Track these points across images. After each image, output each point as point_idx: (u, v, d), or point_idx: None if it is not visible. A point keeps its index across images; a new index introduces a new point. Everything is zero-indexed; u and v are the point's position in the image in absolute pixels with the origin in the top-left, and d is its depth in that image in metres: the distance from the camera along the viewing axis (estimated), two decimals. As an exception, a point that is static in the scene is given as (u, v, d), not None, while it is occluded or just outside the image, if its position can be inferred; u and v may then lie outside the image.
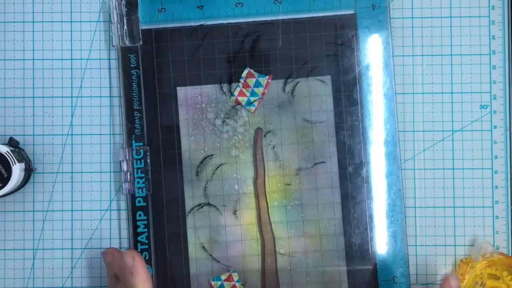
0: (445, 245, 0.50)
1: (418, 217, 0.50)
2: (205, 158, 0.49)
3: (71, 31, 0.50)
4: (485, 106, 0.50)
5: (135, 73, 0.48)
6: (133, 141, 0.48)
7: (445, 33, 0.50)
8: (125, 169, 0.48)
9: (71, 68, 0.50)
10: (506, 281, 0.47)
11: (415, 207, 0.50)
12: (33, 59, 0.50)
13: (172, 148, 0.49)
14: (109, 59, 0.50)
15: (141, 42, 0.49)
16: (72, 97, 0.50)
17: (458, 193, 0.50)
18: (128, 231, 0.49)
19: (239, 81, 0.49)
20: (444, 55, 0.50)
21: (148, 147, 0.48)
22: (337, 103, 0.49)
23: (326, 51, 0.49)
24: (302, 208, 0.49)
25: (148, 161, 0.48)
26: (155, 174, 0.49)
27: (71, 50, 0.50)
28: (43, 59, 0.50)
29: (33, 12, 0.50)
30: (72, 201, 0.49)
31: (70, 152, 0.50)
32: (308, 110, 0.49)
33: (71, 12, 0.50)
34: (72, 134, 0.50)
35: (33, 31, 0.50)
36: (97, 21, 0.50)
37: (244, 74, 0.49)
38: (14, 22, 0.50)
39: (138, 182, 0.48)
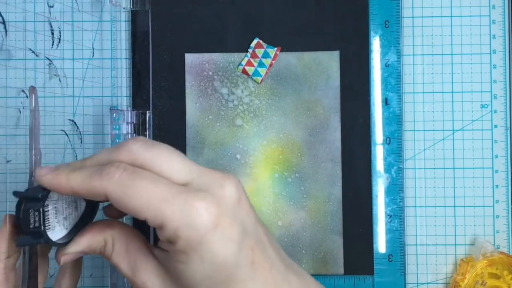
0: (446, 245, 0.50)
1: (419, 217, 0.50)
2: (209, 125, 0.49)
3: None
4: (485, 106, 0.50)
5: (144, 37, 0.49)
6: (138, 105, 0.49)
7: (445, 33, 0.50)
8: (128, 132, 0.48)
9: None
10: (506, 280, 0.47)
11: (415, 206, 0.50)
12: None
13: (177, 113, 0.50)
14: (120, 21, 0.50)
15: (150, 6, 0.49)
16: (83, 60, 0.50)
17: (458, 192, 0.50)
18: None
19: (247, 51, 0.50)
20: (445, 55, 0.50)
21: (151, 112, 0.49)
22: (344, 79, 0.49)
23: (336, 26, 0.50)
24: (303, 182, 0.49)
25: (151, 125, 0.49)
26: (157, 138, 0.49)
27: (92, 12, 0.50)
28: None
29: None
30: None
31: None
32: (314, 84, 0.49)
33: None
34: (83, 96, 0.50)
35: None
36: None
37: (253, 44, 0.50)
38: None
39: None
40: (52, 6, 0.50)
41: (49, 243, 0.34)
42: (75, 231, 0.36)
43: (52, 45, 0.50)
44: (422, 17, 0.50)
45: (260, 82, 0.50)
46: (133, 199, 0.31)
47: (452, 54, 0.50)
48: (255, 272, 0.33)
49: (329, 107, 0.49)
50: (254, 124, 0.50)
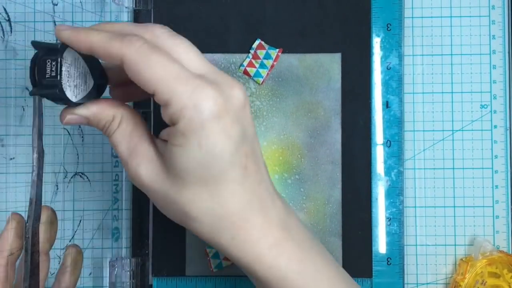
0: (445, 245, 0.50)
1: (418, 217, 0.50)
2: None
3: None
4: (485, 106, 0.50)
5: None
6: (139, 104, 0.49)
7: (445, 33, 0.50)
8: None
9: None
10: (506, 279, 0.48)
11: (415, 206, 0.50)
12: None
13: None
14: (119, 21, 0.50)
15: (153, 5, 0.49)
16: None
17: (458, 192, 0.50)
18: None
19: (249, 52, 0.49)
20: (444, 55, 0.50)
21: (151, 111, 0.49)
22: (345, 81, 0.49)
23: (338, 28, 0.49)
24: (303, 183, 0.49)
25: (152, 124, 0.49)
26: None
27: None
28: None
29: None
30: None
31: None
32: (315, 85, 0.49)
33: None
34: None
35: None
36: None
37: (254, 45, 0.49)
38: None
39: None
40: (56, 4, 0.50)
41: (61, 96, 0.34)
42: (82, 100, 0.36)
43: (57, 41, 0.50)
44: (422, 17, 0.50)
45: (262, 83, 0.49)
46: (148, 69, 0.32)
47: (451, 55, 0.50)
48: (245, 178, 0.34)
49: (330, 109, 0.49)
50: (255, 125, 0.49)
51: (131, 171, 0.35)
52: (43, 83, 0.34)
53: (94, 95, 0.37)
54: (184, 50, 0.34)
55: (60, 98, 0.34)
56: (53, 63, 0.33)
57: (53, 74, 0.33)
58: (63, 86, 0.34)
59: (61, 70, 0.34)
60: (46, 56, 0.34)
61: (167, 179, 0.33)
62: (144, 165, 0.34)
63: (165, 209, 0.35)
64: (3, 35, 0.49)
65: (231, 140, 0.32)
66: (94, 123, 0.36)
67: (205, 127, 0.31)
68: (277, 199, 0.36)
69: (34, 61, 0.34)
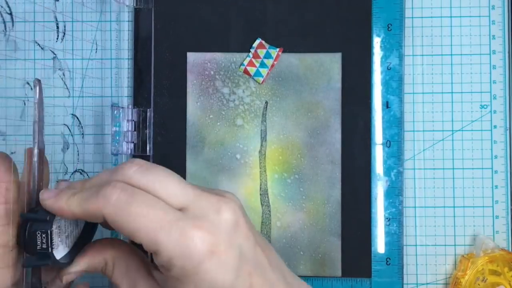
0: (445, 245, 0.50)
1: (418, 217, 0.50)
2: (209, 124, 0.49)
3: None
4: (485, 106, 0.50)
5: (146, 35, 0.49)
6: (139, 102, 0.49)
7: (445, 33, 0.50)
8: (128, 129, 0.48)
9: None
10: (507, 276, 0.48)
11: (415, 207, 0.50)
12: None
13: (178, 112, 0.50)
14: (123, 21, 0.50)
15: (154, 4, 0.49)
16: (83, 59, 0.50)
17: (458, 192, 0.50)
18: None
19: (249, 51, 0.49)
20: (444, 55, 0.50)
21: (152, 110, 0.49)
22: (346, 81, 0.49)
23: (338, 28, 0.49)
24: (302, 183, 0.49)
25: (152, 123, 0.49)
26: (158, 136, 0.49)
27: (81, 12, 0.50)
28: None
29: None
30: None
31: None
32: (315, 85, 0.49)
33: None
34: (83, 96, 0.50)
35: None
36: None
37: (255, 44, 0.49)
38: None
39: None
40: (58, 0, 0.50)
41: (55, 264, 0.35)
42: (76, 249, 0.36)
43: (57, 39, 0.50)
44: (422, 17, 0.50)
45: (262, 83, 0.49)
46: (130, 223, 0.31)
47: (451, 55, 0.50)
48: None
49: (330, 109, 0.49)
50: (255, 124, 0.49)
51: None
52: (35, 253, 0.34)
53: (87, 235, 0.37)
54: (160, 184, 0.32)
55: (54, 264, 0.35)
56: (43, 236, 0.33)
57: (44, 246, 0.33)
58: (54, 250, 0.34)
59: (52, 241, 0.34)
60: (36, 227, 0.33)
61: None
62: None
63: None
64: (5, 29, 0.49)
65: (229, 269, 0.31)
66: (91, 272, 0.36)
67: (198, 271, 0.31)
68: None
69: (24, 230, 0.34)
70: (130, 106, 0.49)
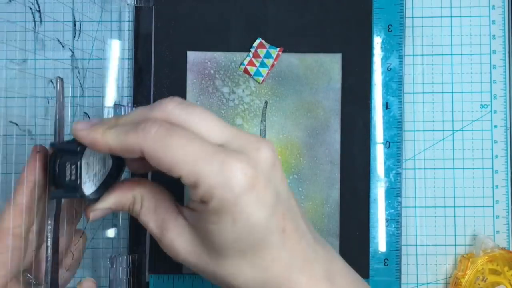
0: (446, 245, 0.50)
1: (418, 217, 0.50)
2: None
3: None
4: (485, 106, 0.50)
5: (146, 33, 0.49)
6: (139, 101, 0.49)
7: (445, 33, 0.50)
8: None
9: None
10: (507, 276, 0.48)
11: (415, 206, 0.50)
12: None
13: None
14: (124, 21, 0.50)
15: (154, 2, 0.49)
16: (83, 59, 0.50)
17: (458, 192, 0.50)
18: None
19: (249, 51, 0.49)
20: (445, 55, 0.50)
21: None
22: (346, 81, 0.49)
23: (339, 28, 0.49)
24: (301, 183, 0.49)
25: None
26: None
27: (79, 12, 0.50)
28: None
29: None
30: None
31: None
32: (315, 85, 0.49)
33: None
34: (83, 96, 0.50)
35: None
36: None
37: (255, 44, 0.49)
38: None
39: None
40: None
41: (83, 197, 0.34)
42: (103, 188, 0.36)
43: (74, 36, 0.50)
44: (422, 17, 0.50)
45: (262, 82, 0.49)
46: (169, 155, 0.30)
47: (452, 55, 0.50)
48: (285, 241, 0.33)
49: (330, 109, 0.49)
50: (254, 124, 0.49)
51: (167, 248, 0.34)
52: (63, 185, 0.34)
53: (114, 175, 0.37)
54: (200, 119, 0.32)
55: (81, 197, 0.34)
56: (73, 167, 0.33)
57: (73, 178, 0.33)
58: (82, 185, 0.34)
59: (80, 174, 0.33)
60: (66, 158, 0.33)
61: (204, 253, 0.33)
62: (177, 241, 0.34)
63: (206, 277, 0.34)
64: (35, 26, 0.49)
65: (266, 207, 0.31)
66: (118, 209, 0.36)
67: (238, 203, 0.30)
68: (319, 249, 0.35)
69: (54, 161, 0.34)
70: (130, 105, 0.49)
